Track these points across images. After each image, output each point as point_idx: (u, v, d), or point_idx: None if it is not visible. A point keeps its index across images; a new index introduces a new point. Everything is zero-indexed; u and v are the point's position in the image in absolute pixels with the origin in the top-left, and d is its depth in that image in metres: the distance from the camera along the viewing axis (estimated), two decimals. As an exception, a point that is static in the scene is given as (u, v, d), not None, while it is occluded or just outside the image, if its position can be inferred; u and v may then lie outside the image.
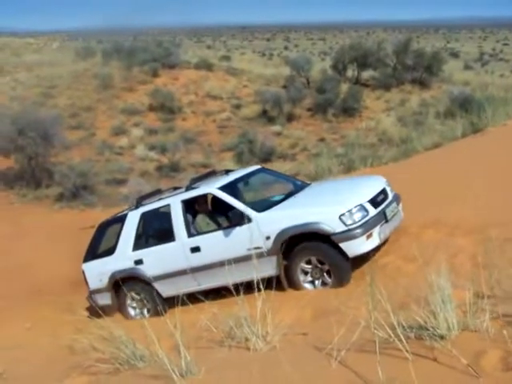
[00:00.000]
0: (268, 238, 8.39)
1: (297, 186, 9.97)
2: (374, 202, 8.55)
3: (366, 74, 42.53)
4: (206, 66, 44.00)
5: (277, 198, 9.57)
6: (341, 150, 24.73)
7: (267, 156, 28.91)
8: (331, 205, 8.33)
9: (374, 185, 9.10)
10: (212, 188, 9.20)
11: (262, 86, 40.31)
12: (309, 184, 10.21)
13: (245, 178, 10.10)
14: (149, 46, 47.96)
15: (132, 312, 10.03)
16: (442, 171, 12.76)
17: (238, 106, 38.17)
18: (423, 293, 4.32)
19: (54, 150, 28.96)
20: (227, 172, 10.47)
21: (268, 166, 26.68)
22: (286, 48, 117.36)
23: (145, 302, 9.88)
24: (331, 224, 8.04)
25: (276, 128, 34.10)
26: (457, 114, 21.65)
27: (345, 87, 37.62)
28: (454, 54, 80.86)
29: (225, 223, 9.40)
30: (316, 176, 18.16)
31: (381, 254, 8.97)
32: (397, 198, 9.33)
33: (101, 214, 23.48)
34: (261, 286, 5.04)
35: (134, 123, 35.17)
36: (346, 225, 8.04)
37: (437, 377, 3.76)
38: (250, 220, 8.53)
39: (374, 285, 4.19)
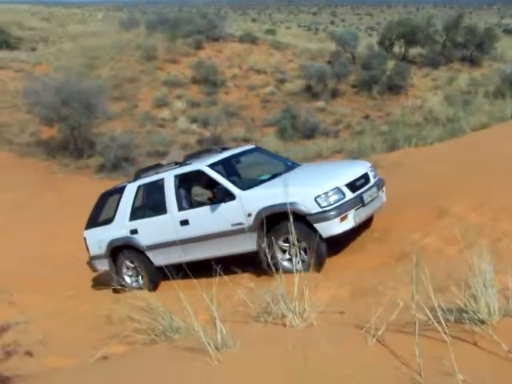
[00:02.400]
0: (249, 215, 8.77)
1: (287, 167, 10.24)
2: (353, 185, 8.80)
3: (414, 51, 41.85)
4: (250, 39, 43.76)
5: (263, 177, 9.83)
6: (385, 128, 24.42)
7: (310, 132, 28.71)
8: (308, 186, 8.67)
9: (356, 169, 9.35)
10: (202, 165, 9.58)
11: (307, 60, 39.97)
12: (299, 165, 10.50)
13: (237, 157, 10.48)
14: (193, 17, 47.81)
15: (128, 279, 10.54)
16: (490, 153, 12.46)
17: (281, 81, 37.94)
18: (464, 276, 4.21)
19: (96, 120, 29.24)
20: (223, 150, 10.86)
21: (310, 142, 26.76)
22: (332, 23, 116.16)
23: (138, 270, 10.43)
24: (307, 205, 8.35)
25: (320, 104, 33.84)
26: (507, 94, 21.15)
27: (391, 64, 37.10)
28: (508, 31, 78.56)
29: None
30: (359, 154, 17.97)
31: (422, 235, 8.85)
32: (379, 183, 9.56)
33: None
34: (299, 264, 4.98)
35: (177, 95, 35.23)
36: (320, 206, 8.35)
37: (476, 361, 3.67)
38: (233, 197, 8.95)
39: (419, 266, 4.09)
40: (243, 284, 5.75)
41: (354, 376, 3.78)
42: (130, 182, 10.67)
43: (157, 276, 10.08)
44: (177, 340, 5.26)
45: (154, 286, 10.08)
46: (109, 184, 24.41)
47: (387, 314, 4.21)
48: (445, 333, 3.84)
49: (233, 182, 9.28)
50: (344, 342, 4.28)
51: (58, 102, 27.25)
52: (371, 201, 9.06)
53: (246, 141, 28.63)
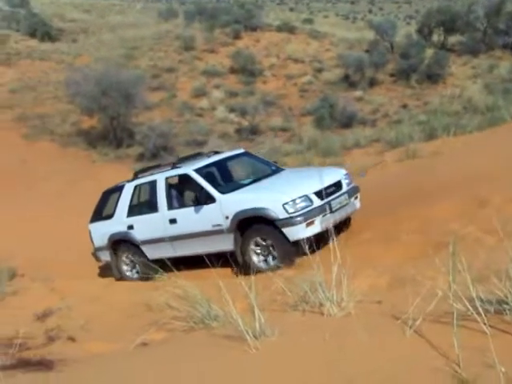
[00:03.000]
0: (227, 217, 9.51)
1: (271, 171, 10.96)
2: (322, 193, 9.22)
3: (453, 39, 41.22)
4: (288, 28, 43.65)
5: (244, 182, 10.66)
6: (423, 118, 24.16)
7: (347, 121, 28.56)
8: (279, 193, 9.37)
9: (329, 177, 9.81)
10: (189, 169, 10.36)
11: (345, 49, 39.70)
12: (283, 170, 11.15)
13: (226, 161, 11.32)
14: (231, 7, 47.87)
15: (126, 271, 11.50)
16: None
17: (319, 70, 37.76)
18: (504, 266, 4.16)
19: (135, 110, 29.51)
20: (215, 153, 11.62)
21: (347, 132, 26.62)
22: (370, 11, 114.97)
23: (135, 262, 11.30)
24: (275, 211, 9.07)
25: (357, 93, 33.66)
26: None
27: (430, 52, 36.59)
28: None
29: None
30: (397, 143, 17.82)
31: (460, 225, 8.76)
32: (353, 191, 10.17)
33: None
34: (337, 253, 4.99)
35: (215, 85, 35.32)
36: (288, 212, 9.02)
37: (517, 353, 3.63)
38: (214, 200, 9.73)
39: (456, 256, 4.06)
40: (281, 273, 5.78)
41: (391, 366, 3.76)
42: (128, 181, 11.47)
43: (150, 269, 10.02)
44: (215, 328, 5.31)
45: (146, 278, 10.36)
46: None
47: (425, 304, 4.18)
48: (484, 324, 3.80)
49: (214, 187, 10.02)
50: (381, 331, 4.27)
51: (97, 92, 27.58)
52: (340, 207, 9.65)
53: (284, 130, 28.65)
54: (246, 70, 36.77)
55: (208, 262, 7.38)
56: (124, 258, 11.45)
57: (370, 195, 10.91)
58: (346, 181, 10.11)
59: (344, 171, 10.42)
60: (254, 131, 29.04)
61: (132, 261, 11.36)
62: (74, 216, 19.01)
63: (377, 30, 40.47)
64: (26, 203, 21.44)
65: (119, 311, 8.88)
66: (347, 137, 23.82)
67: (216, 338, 4.85)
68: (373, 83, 35.33)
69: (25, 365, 6.43)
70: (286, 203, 9.06)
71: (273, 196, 9.32)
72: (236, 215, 9.39)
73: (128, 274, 11.41)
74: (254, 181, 10.46)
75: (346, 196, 9.85)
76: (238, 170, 11.75)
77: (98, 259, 12.12)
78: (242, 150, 11.83)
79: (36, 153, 28.21)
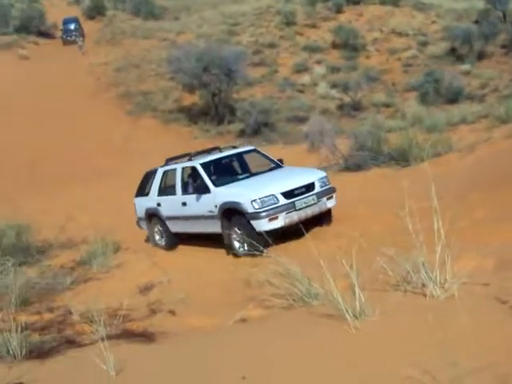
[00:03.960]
0: (216, 206, 11.32)
1: (269, 169, 12.63)
2: (289, 193, 10.98)
3: None
4: (391, 1, 42.59)
5: (239, 177, 12.37)
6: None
7: (454, 97, 27.68)
8: (251, 191, 11.09)
9: (303, 178, 11.49)
10: (196, 163, 12.23)
11: (452, 21, 38.39)
12: (281, 167, 12.63)
13: (233, 157, 13.04)
14: (334, -19, 47.09)
15: (156, 239, 13.24)
16: None
17: (424, 44, 36.74)
18: None
19: (236, 86, 29.72)
20: (232, 148, 13.67)
21: (454, 107, 25.78)
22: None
23: (162, 233, 13.14)
24: (246, 205, 10.83)
25: (465, 67, 32.49)
26: None
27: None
28: None
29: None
30: (507, 119, 17.08)
31: None
32: (325, 192, 11.45)
33: (281, 151, 23.89)
34: (441, 231, 4.79)
35: (316, 60, 35.04)
36: (254, 208, 10.73)
37: None
38: (209, 191, 11.58)
39: None
40: (382, 251, 5.62)
41: (494, 351, 3.62)
42: (161, 166, 13.37)
43: (173, 240, 12.89)
44: (314, 306, 5.26)
45: (170, 247, 12.80)
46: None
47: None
48: None
49: (212, 180, 11.79)
50: (486, 315, 4.10)
51: (199, 68, 27.95)
52: (306, 207, 11.10)
53: (387, 106, 28.14)
54: (349, 45, 36.28)
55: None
56: (155, 229, 13.26)
57: (478, 172, 10.57)
58: (320, 183, 11.46)
59: (322, 174, 11.86)
60: (356, 107, 28.66)
61: (160, 231, 13.17)
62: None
63: (488, -2, 38.71)
64: (129, 178, 22.16)
65: (219, 286, 8.98)
66: (453, 113, 23.06)
67: (315, 317, 4.79)
68: (481, 56, 34.00)
69: (128, 336, 6.62)
70: (254, 200, 10.78)
71: (246, 193, 11.08)
72: (221, 205, 11.22)
73: (158, 242, 13.18)
74: (247, 177, 12.32)
75: (314, 197, 11.22)
76: (247, 164, 13.22)
77: (140, 227, 13.87)
78: (251, 147, 13.65)
79: (139, 129, 29.05)
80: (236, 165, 13.09)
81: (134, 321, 7.61)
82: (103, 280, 10.67)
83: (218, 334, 5.87)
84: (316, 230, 10.95)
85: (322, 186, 11.43)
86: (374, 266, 5.50)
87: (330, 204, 11.55)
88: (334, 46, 37.01)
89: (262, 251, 9.02)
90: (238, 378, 4.08)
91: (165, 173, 13.15)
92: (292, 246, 10.34)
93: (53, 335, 7.35)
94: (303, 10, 41.46)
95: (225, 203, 11.18)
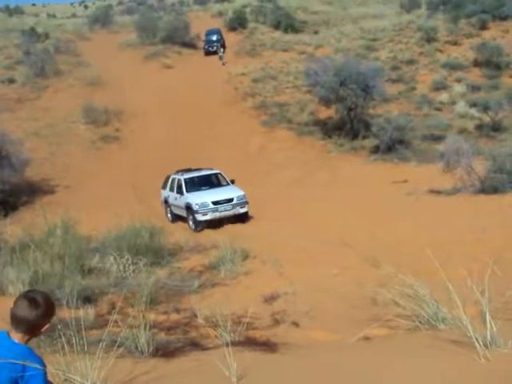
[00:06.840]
0: (184, 203, 19.00)
1: (223, 185, 19.97)
2: (216, 202, 18.49)
3: None
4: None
5: (202, 188, 19.64)
6: None
7: None
8: (196, 198, 18.64)
9: (229, 194, 18.84)
10: (182, 177, 20.02)
11: None
12: (228, 185, 19.83)
13: (204, 176, 20.36)
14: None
15: (168, 216, 20.71)
16: None
17: None
18: None
19: (373, 102, 29.46)
20: (199, 170, 21.01)
21: None
22: None
23: (170, 212, 20.79)
24: (193, 206, 18.48)
25: None
26: None
27: None
28: None
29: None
30: None
31: None
32: (239, 203, 18.73)
33: (414, 169, 23.44)
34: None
35: (456, 78, 34.08)
36: (196, 207, 18.40)
37: None
38: (183, 194, 19.26)
39: None
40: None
41: None
42: (173, 173, 20.72)
43: (174, 217, 20.24)
44: (441, 330, 5.10)
45: (173, 221, 20.23)
46: (381, 167, 24.63)
47: None
48: None
49: (186, 188, 19.43)
50: None
51: (336, 82, 27.95)
52: (224, 210, 18.48)
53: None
54: (491, 63, 34.93)
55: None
56: (167, 210, 20.78)
57: None
58: (237, 198, 18.70)
59: (241, 193, 18.98)
60: (495, 128, 27.57)
61: (169, 211, 20.68)
62: (307, 204, 19.57)
63: None
64: (267, 187, 22.56)
65: (344, 302, 8.91)
66: None
67: (441, 342, 4.64)
68: None
69: (251, 343, 6.71)
70: (197, 203, 18.45)
71: (194, 199, 18.63)
72: (186, 203, 18.89)
73: (168, 216, 20.70)
74: (207, 189, 19.54)
75: (230, 206, 18.58)
76: (214, 180, 20.37)
77: (163, 206, 21.13)
78: (217, 171, 20.69)
79: (273, 140, 29.44)
80: (206, 180, 20.13)
81: (257, 329, 7.70)
82: (230, 286, 10.91)
83: (339, 350, 5.83)
84: (448, 253, 10.47)
85: (238, 200, 18.68)
86: (507, 295, 5.27)
87: (242, 210, 18.83)
88: (476, 63, 35.78)
89: (201, 230, 18.08)
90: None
91: (172, 178, 20.50)
92: (420, 267, 10.15)
93: (178, 336, 7.60)
94: (445, 26, 40.46)
95: (187, 202, 18.85)
